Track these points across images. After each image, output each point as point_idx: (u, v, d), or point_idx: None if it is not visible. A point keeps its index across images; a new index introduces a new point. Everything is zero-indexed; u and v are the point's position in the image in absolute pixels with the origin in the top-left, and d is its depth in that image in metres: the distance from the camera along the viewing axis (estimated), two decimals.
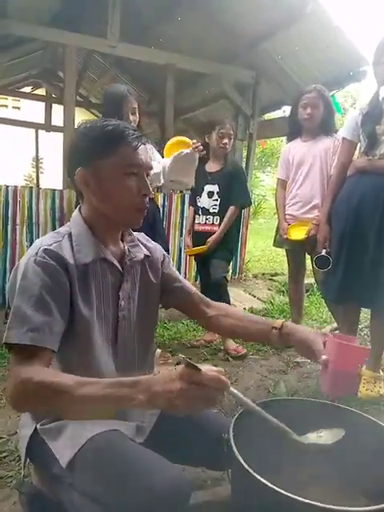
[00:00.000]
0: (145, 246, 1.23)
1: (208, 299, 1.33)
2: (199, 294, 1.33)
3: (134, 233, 1.23)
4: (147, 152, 1.07)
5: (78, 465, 0.97)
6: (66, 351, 1.01)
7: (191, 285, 1.34)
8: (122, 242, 1.17)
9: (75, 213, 1.12)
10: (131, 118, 2.28)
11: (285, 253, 3.06)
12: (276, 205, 2.94)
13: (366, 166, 2.08)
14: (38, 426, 1.07)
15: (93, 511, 0.93)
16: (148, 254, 1.21)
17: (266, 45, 4.09)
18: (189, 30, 4.42)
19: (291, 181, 2.79)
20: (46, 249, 0.99)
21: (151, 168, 1.09)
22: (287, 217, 2.79)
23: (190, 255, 3.00)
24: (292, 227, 2.71)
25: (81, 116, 6.60)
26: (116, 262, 1.11)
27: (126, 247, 1.16)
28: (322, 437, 1.06)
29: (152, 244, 1.27)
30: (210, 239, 2.68)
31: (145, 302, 1.19)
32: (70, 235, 1.06)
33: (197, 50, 4.29)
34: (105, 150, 1.02)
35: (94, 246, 1.06)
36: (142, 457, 0.96)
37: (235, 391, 0.86)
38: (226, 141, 2.66)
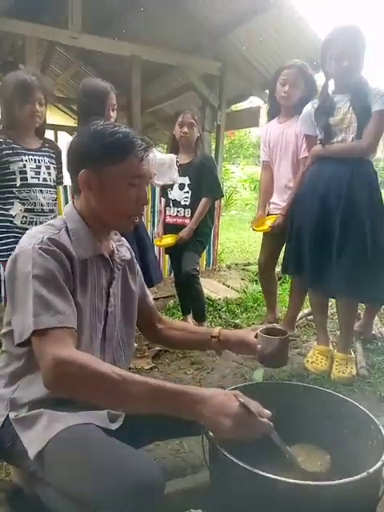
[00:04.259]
0: (128, 248, 1.28)
1: (160, 314, 1.42)
2: (155, 307, 1.41)
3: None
4: (150, 162, 1.10)
5: (47, 458, 0.96)
6: None
7: (151, 299, 1.42)
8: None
9: (69, 208, 1.13)
10: (112, 114, 2.21)
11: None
12: (260, 188, 2.85)
13: (322, 152, 2.13)
14: (10, 414, 1.06)
15: (66, 507, 0.92)
16: (130, 257, 1.26)
17: (230, 35, 4.10)
18: (153, 21, 4.37)
19: (272, 163, 2.68)
20: (50, 238, 1.00)
21: (152, 177, 1.13)
22: (271, 206, 2.70)
23: (158, 246, 2.97)
24: (261, 219, 2.71)
25: None
26: (109, 259, 1.15)
27: (115, 246, 1.20)
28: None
29: (132, 250, 1.31)
30: (182, 232, 2.68)
31: (126, 302, 1.23)
32: (66, 229, 1.07)
33: (162, 41, 4.25)
34: (113, 158, 1.04)
35: (91, 241, 1.09)
36: (113, 450, 0.95)
37: (276, 434, 0.96)
38: (185, 129, 2.62)
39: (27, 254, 0.97)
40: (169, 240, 2.73)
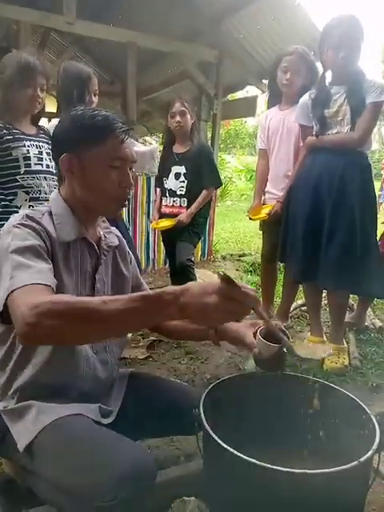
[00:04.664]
0: (117, 236, 1.26)
1: None
2: None
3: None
4: (132, 145, 1.09)
5: (37, 450, 0.96)
6: None
7: (147, 287, 1.38)
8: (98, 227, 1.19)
9: (54, 194, 1.13)
10: (94, 99, 2.18)
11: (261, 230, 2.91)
12: (256, 176, 2.81)
13: (315, 142, 2.13)
14: (0, 405, 1.06)
15: (59, 497, 0.92)
16: (119, 242, 1.25)
17: (227, 23, 4.05)
18: (149, 7, 4.31)
19: (269, 151, 2.62)
20: (29, 215, 1.02)
21: (135, 161, 1.11)
22: (267, 196, 2.65)
23: (156, 229, 2.91)
24: (258, 208, 2.71)
25: None
26: (95, 244, 1.14)
27: (102, 233, 1.19)
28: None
29: (121, 237, 1.30)
30: (181, 215, 2.65)
31: (117, 289, 1.21)
32: (50, 214, 1.07)
33: (158, 28, 4.19)
34: (92, 140, 1.04)
35: (75, 225, 1.08)
36: (103, 439, 0.95)
37: (262, 310, 0.92)
38: (178, 118, 2.60)
39: (7, 232, 0.98)
40: (166, 223, 2.71)
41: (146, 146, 2.53)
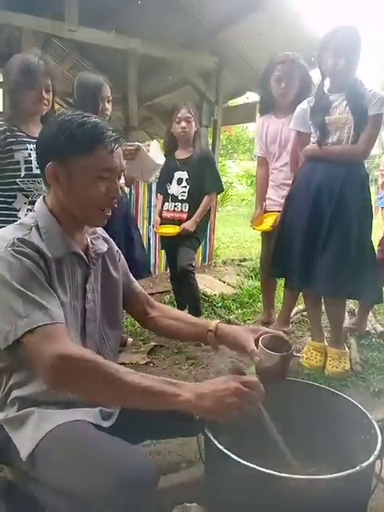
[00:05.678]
0: (104, 239, 1.23)
1: (153, 301, 1.35)
2: (145, 294, 1.35)
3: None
4: (121, 154, 1.07)
5: (39, 457, 0.96)
6: None
7: (139, 284, 1.36)
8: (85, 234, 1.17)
9: (40, 204, 1.09)
10: (107, 106, 2.22)
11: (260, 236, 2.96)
12: (256, 185, 2.82)
13: (318, 153, 2.13)
14: (0, 415, 1.05)
15: (60, 503, 0.92)
16: (108, 246, 1.22)
17: (227, 31, 4.08)
18: (150, 15, 4.34)
19: (268, 159, 2.64)
20: (20, 239, 0.97)
21: (123, 170, 1.09)
22: (268, 202, 2.65)
23: (160, 234, 2.90)
24: (260, 217, 2.71)
25: None
26: (83, 255, 1.11)
27: (89, 239, 1.16)
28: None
29: (109, 238, 1.26)
30: (186, 223, 2.66)
31: (108, 294, 1.20)
32: (37, 227, 1.03)
33: (159, 35, 4.23)
34: (81, 150, 1.00)
35: (63, 239, 1.06)
36: (105, 445, 0.94)
37: (262, 407, 0.98)
38: (183, 124, 2.64)
39: (0, 258, 0.94)
40: (171, 229, 2.72)
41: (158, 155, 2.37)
